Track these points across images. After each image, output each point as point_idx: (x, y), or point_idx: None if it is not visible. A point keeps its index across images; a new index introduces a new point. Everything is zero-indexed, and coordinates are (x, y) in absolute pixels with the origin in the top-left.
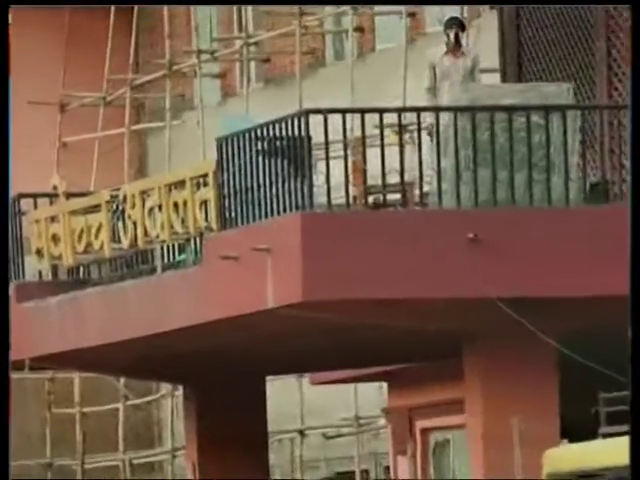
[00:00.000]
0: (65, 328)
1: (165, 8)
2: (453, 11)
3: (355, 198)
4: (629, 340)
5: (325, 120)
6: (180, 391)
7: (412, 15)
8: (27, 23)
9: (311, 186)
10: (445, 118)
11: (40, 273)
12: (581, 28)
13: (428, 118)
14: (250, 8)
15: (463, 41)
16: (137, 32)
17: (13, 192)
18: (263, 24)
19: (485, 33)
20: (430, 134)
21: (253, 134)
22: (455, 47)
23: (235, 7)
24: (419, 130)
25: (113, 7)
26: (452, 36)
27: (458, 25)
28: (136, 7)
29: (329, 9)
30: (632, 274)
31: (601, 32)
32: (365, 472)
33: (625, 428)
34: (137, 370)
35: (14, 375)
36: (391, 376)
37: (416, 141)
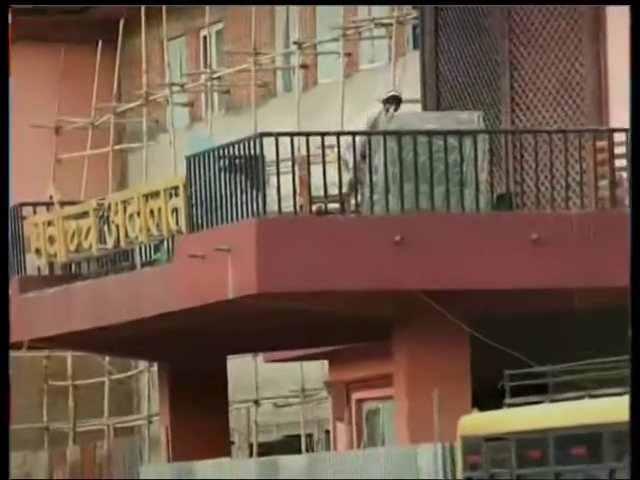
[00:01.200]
0: (59, 314)
1: (143, 47)
2: (391, 89)
3: (301, 206)
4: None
5: (276, 142)
6: (155, 367)
7: (348, 55)
8: (28, 59)
9: (264, 196)
10: (376, 141)
11: (39, 268)
12: (489, 66)
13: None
14: (214, 48)
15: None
16: (119, 67)
17: (15, 201)
18: (224, 61)
19: (409, 69)
20: (363, 155)
21: (216, 153)
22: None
23: (201, 47)
24: (354, 149)
25: (100, 46)
26: (392, 110)
27: (397, 101)
28: (119, 46)
29: (278, 49)
30: (632, 274)
31: (505, 69)
32: (309, 436)
33: (525, 399)
34: (119, 349)
35: (15, 353)
36: (331, 355)
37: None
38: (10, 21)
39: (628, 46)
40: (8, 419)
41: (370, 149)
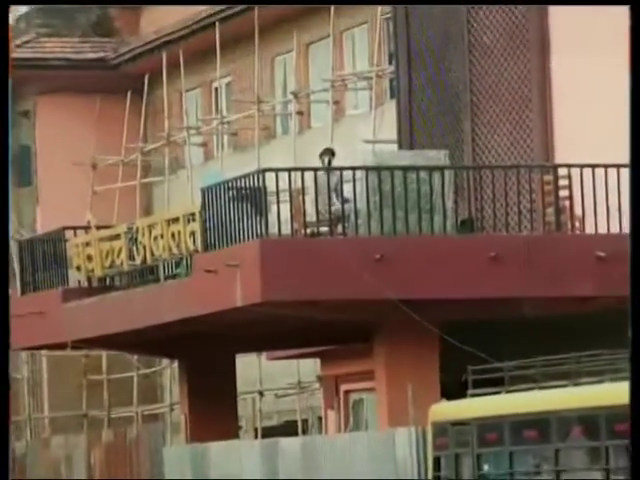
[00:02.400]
0: (96, 320)
1: (165, 97)
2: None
3: (297, 230)
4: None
5: (276, 176)
6: (175, 364)
7: (336, 103)
8: (69, 107)
9: (266, 221)
10: (359, 175)
11: (79, 282)
12: (454, 112)
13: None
14: (224, 97)
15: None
16: (145, 114)
17: (59, 225)
18: (232, 109)
19: (387, 115)
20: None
21: (226, 185)
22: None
23: (213, 96)
24: (341, 182)
25: (129, 96)
26: (326, 160)
27: (331, 154)
28: (144, 96)
29: (278, 98)
30: (632, 274)
31: (467, 115)
32: (305, 421)
33: (485, 390)
34: (145, 349)
35: (60, 352)
36: (323, 354)
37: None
38: (51, 74)
39: (571, 97)
40: (8, 419)
41: (354, 182)
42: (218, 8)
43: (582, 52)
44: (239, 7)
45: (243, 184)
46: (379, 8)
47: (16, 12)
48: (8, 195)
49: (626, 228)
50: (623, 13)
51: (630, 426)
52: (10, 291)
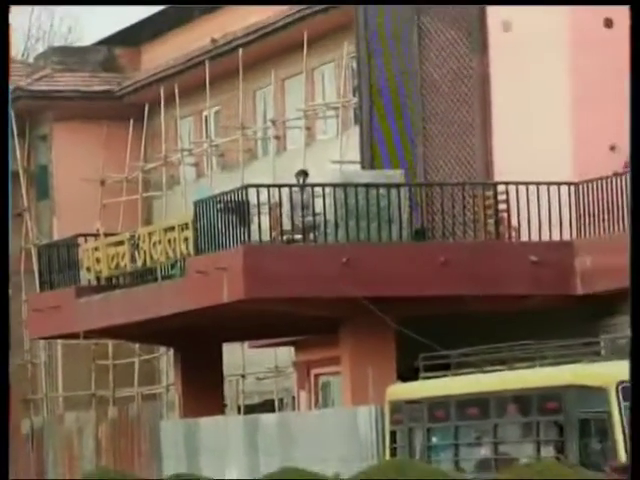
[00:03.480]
0: (103, 313)
1: (162, 124)
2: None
3: (275, 237)
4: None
5: (257, 192)
6: (171, 351)
7: (308, 128)
8: (81, 132)
9: (249, 230)
10: (328, 190)
11: (89, 281)
12: (409, 137)
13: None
14: (212, 124)
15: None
16: (145, 138)
17: (73, 233)
18: (220, 133)
19: (352, 139)
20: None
21: (215, 199)
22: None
23: (203, 123)
24: (312, 197)
25: (131, 123)
26: (301, 180)
27: (304, 174)
28: (145, 123)
29: (259, 125)
30: (632, 274)
31: (420, 140)
32: (281, 400)
33: (434, 374)
34: (145, 338)
35: (73, 341)
36: (296, 343)
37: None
38: (65, 104)
39: (508, 123)
40: (8, 419)
41: (324, 197)
42: (207, 49)
43: (519, 85)
44: (226, 47)
45: (229, 198)
46: (345, 49)
47: (35, 51)
48: (8, 197)
49: (556, 236)
50: (560, 44)
51: (630, 426)
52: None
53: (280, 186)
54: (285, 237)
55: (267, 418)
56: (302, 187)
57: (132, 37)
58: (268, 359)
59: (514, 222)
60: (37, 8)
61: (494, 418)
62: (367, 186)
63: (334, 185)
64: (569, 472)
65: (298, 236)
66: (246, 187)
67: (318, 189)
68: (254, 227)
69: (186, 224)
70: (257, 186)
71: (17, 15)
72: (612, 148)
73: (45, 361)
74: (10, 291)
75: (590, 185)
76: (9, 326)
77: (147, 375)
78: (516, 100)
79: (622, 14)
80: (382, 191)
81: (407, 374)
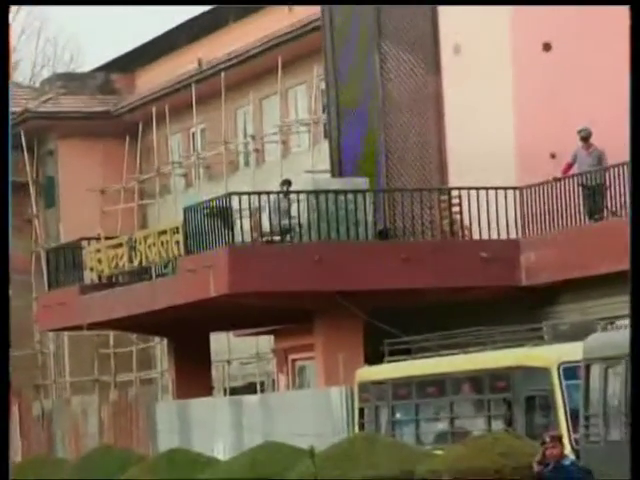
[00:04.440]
0: (105, 308)
1: (155, 140)
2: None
3: (256, 239)
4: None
5: (239, 199)
6: (165, 341)
7: (284, 142)
8: (82, 148)
9: (233, 233)
10: (302, 197)
11: (92, 280)
12: (373, 149)
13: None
14: (199, 139)
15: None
16: (140, 152)
17: (77, 237)
18: (206, 148)
19: (322, 151)
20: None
21: (202, 206)
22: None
23: (191, 139)
24: (289, 203)
25: (127, 139)
26: (286, 188)
27: (288, 183)
28: (139, 139)
29: (240, 139)
30: (632, 274)
31: (382, 151)
32: (262, 383)
33: (397, 358)
34: (142, 329)
35: (78, 332)
36: (276, 331)
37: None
38: (68, 123)
39: (460, 134)
40: (8, 419)
41: (298, 203)
42: (193, 73)
43: (468, 101)
44: (210, 72)
45: (215, 205)
46: (315, 71)
47: (40, 77)
48: (8, 200)
49: (503, 235)
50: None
51: (630, 426)
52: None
53: (259, 193)
54: (265, 238)
55: (250, 399)
56: (279, 194)
57: (127, 63)
58: (251, 346)
59: (466, 223)
60: (42, 40)
61: (450, 396)
62: (336, 192)
63: (307, 192)
64: (517, 442)
65: (276, 237)
66: (229, 195)
67: (293, 195)
68: (237, 230)
69: (177, 228)
70: (239, 194)
71: (24, 46)
72: (552, 156)
73: (53, 351)
74: (10, 292)
75: (533, 189)
76: (9, 326)
77: (144, 362)
78: (466, 114)
79: (562, 37)
80: (349, 197)
81: (373, 358)
